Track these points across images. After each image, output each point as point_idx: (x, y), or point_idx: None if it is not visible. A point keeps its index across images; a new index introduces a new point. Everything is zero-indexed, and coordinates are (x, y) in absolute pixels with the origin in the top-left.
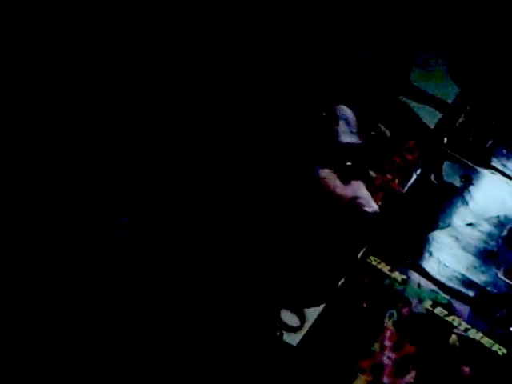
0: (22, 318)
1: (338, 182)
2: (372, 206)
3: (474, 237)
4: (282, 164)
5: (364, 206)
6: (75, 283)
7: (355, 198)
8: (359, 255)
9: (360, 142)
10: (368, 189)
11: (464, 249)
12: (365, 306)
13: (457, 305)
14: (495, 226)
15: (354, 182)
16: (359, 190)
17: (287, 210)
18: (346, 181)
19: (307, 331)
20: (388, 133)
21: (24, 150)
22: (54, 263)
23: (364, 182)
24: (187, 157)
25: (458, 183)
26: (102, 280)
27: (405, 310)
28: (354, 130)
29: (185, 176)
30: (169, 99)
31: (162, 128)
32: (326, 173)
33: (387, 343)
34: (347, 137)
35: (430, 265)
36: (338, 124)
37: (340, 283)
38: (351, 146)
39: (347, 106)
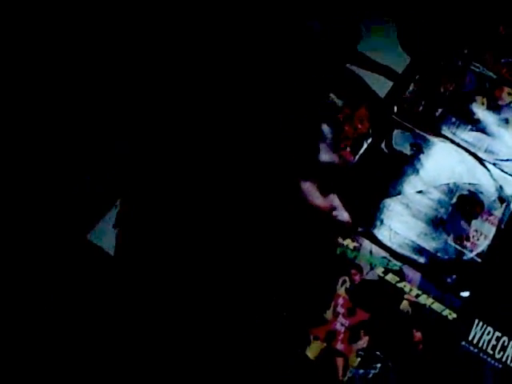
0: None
1: (317, 194)
2: (344, 216)
3: (425, 204)
4: (267, 175)
5: (338, 216)
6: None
7: (331, 209)
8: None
9: (338, 160)
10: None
11: (414, 216)
12: (317, 273)
13: (408, 271)
14: (445, 193)
15: (330, 195)
16: (334, 201)
17: (271, 218)
18: (324, 193)
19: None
20: (339, 102)
21: (23, 150)
22: (52, 264)
23: (338, 193)
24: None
25: (408, 151)
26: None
27: (357, 277)
28: (331, 148)
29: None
30: (165, 100)
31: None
32: (307, 185)
33: (340, 310)
34: (327, 155)
35: (381, 232)
36: (321, 141)
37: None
38: (330, 164)
39: (323, 121)
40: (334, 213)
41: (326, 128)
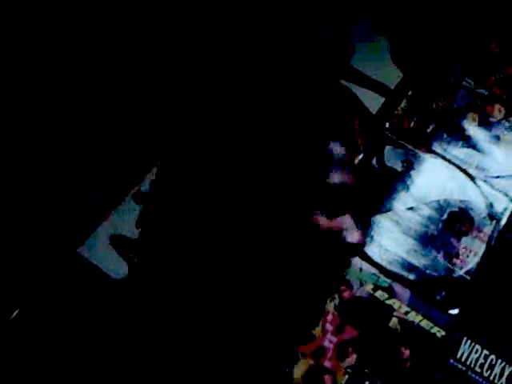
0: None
1: (324, 219)
2: (354, 237)
3: (415, 221)
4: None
5: (347, 237)
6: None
7: (340, 231)
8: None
9: (350, 180)
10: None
11: (405, 233)
12: (306, 289)
13: (397, 288)
14: (435, 210)
15: (340, 217)
16: (344, 222)
17: (277, 242)
18: (332, 215)
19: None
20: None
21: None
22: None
23: (350, 213)
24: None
25: (399, 168)
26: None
27: (346, 294)
28: (344, 168)
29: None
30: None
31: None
32: (314, 209)
33: (329, 327)
34: (338, 176)
35: (371, 249)
36: (328, 163)
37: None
38: (342, 185)
39: (336, 140)
40: (344, 234)
41: (336, 146)
